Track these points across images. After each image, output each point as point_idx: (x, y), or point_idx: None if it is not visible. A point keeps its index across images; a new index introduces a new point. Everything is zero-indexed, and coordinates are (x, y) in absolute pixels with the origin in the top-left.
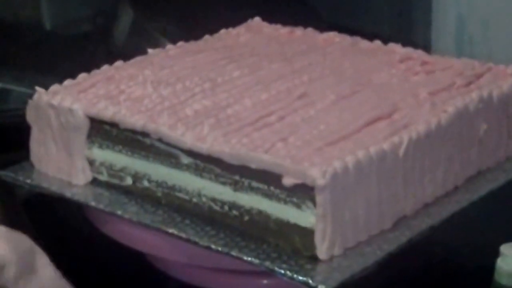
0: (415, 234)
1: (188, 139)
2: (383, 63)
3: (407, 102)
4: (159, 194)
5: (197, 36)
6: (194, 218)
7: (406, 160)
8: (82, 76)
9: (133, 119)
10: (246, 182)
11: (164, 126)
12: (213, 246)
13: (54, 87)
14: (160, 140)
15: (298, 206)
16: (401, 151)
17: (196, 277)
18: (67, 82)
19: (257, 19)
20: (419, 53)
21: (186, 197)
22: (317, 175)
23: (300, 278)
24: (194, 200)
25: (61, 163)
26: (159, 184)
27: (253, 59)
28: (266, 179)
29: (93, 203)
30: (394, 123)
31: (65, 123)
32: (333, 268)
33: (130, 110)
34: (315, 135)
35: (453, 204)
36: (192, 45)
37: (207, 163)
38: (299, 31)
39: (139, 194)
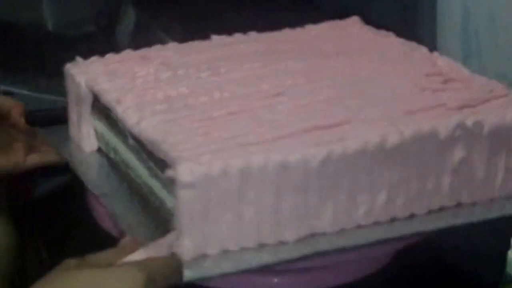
0: (313, 252)
1: (128, 120)
2: (403, 75)
3: (368, 118)
4: (124, 171)
5: (201, 36)
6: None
7: (324, 174)
8: (126, 51)
9: (107, 95)
10: (155, 169)
11: (119, 104)
12: None
13: (92, 58)
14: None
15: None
16: (314, 164)
17: None
18: (109, 55)
19: (355, 18)
20: (456, 72)
21: (134, 178)
22: (182, 172)
23: None
24: (138, 181)
25: (74, 130)
26: (123, 161)
27: (274, 56)
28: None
29: (80, 173)
30: (330, 134)
31: (75, 93)
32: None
33: (114, 86)
34: (238, 134)
35: (384, 231)
36: (261, 36)
37: (139, 146)
38: (387, 35)
39: (118, 169)
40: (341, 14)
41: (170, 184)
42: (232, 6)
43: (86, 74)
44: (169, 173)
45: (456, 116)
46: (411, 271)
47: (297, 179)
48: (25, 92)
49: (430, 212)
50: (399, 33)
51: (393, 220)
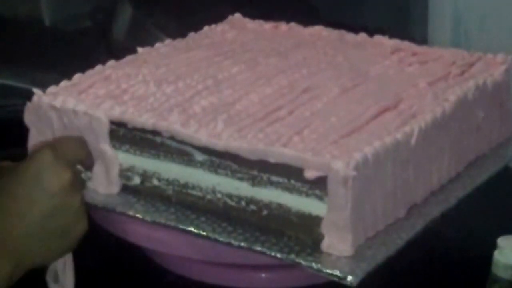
0: (428, 221)
1: (203, 136)
2: (376, 55)
3: (409, 93)
4: (170, 192)
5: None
6: (209, 215)
7: (416, 149)
8: (77, 76)
9: (142, 118)
10: (265, 176)
11: (176, 124)
12: (234, 242)
13: (52, 88)
14: (171, 138)
15: (320, 198)
16: (413, 140)
17: (195, 271)
18: (64, 83)
19: (237, 15)
20: (406, 45)
21: (200, 194)
22: (340, 167)
23: (328, 270)
24: (208, 196)
25: None
26: (170, 182)
27: (247, 55)
28: (286, 173)
29: (102, 204)
30: (402, 113)
31: (69, 124)
32: (358, 258)
33: (137, 109)
34: (328, 128)
35: (458, 190)
36: (180, 42)
37: (223, 159)
38: (283, 26)
39: (147, 193)
40: (334, 15)
41: (296, 185)
42: (228, 3)
43: (81, 102)
44: (311, 173)
45: (471, 80)
46: (400, 271)
47: (403, 156)
48: (21, 85)
49: (466, 169)
50: (392, 34)
51: (451, 181)
